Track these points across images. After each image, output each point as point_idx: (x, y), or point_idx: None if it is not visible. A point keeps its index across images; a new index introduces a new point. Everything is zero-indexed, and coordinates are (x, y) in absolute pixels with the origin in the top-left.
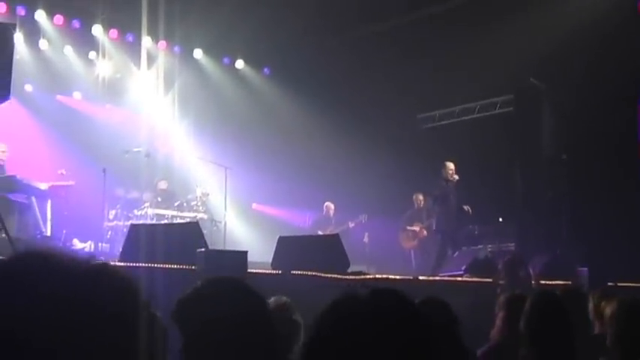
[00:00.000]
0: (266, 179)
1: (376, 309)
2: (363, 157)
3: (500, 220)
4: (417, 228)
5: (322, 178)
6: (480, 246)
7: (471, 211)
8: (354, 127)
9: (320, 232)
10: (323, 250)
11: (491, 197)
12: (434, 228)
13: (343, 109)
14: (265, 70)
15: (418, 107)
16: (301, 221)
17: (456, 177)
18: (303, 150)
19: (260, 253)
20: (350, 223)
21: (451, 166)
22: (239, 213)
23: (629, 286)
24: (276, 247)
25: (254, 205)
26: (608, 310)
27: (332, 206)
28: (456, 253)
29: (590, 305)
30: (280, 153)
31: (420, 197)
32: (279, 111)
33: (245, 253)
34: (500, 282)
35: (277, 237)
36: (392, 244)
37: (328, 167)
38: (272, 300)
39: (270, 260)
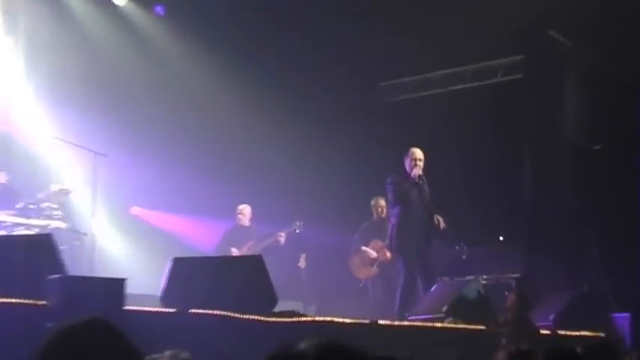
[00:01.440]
0: (154, 171)
1: None
2: (299, 142)
3: (501, 238)
4: (375, 249)
5: (238, 173)
6: (469, 277)
7: (442, 223)
8: (285, 98)
9: (234, 251)
10: (239, 278)
11: (488, 205)
12: (390, 248)
13: (271, 71)
14: (157, 9)
15: (381, 72)
16: (206, 235)
17: (419, 172)
18: (210, 130)
19: (144, 281)
20: (279, 235)
21: (418, 154)
22: (114, 221)
23: None
24: (169, 274)
25: (134, 209)
26: None
27: (247, 211)
28: (434, 287)
29: None
30: (177, 134)
31: (382, 203)
32: (177, 71)
33: (122, 281)
34: (500, 330)
35: (170, 258)
36: (340, 269)
37: (247, 156)
38: (166, 356)
39: (160, 292)
